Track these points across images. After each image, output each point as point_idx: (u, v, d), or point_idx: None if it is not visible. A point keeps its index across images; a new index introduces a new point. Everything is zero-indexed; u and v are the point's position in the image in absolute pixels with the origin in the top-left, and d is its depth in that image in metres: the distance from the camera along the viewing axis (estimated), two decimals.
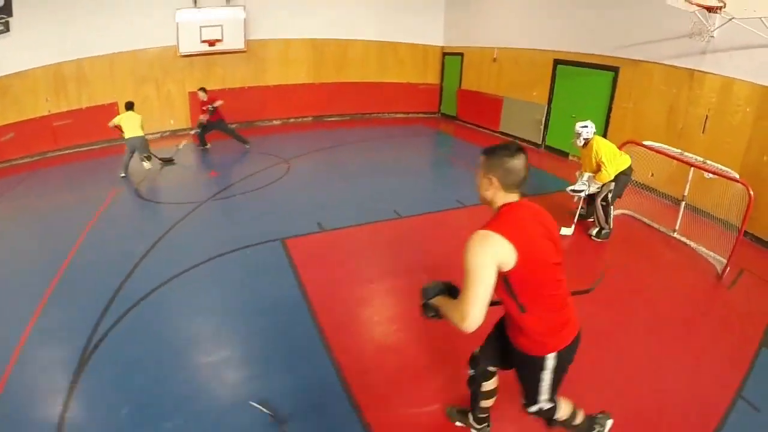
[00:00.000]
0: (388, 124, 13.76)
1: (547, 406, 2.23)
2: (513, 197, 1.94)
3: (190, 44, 11.88)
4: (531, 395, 2.23)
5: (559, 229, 5.66)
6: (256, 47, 12.82)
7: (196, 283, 5.01)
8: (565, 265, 2.07)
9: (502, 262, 1.80)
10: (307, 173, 9.14)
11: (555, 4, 9.82)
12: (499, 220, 1.88)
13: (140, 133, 9.33)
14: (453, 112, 13.86)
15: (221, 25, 11.94)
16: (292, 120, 14.02)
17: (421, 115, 14.66)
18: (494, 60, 11.80)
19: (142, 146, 9.43)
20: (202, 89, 10.66)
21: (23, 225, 7.12)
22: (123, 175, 9.30)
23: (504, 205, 1.93)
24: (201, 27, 11.80)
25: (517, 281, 1.86)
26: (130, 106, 9.53)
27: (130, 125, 9.25)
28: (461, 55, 13.19)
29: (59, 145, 11.96)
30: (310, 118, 14.17)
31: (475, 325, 1.77)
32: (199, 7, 11.85)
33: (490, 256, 1.78)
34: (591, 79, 9.04)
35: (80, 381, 3.49)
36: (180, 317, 4.44)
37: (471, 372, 2.55)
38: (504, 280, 1.86)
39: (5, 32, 11.18)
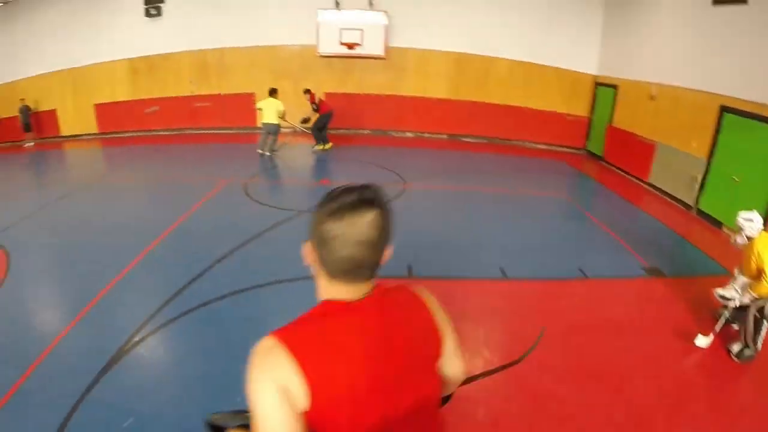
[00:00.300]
0: (526, 154, 12.20)
1: None
2: (342, 292, 1.02)
3: (330, 45, 11.64)
4: None
5: (695, 338, 4.17)
6: (395, 55, 12.22)
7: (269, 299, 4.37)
8: None
9: (289, 395, 0.91)
10: (420, 200, 7.95)
11: (727, 36, 7.54)
12: (298, 324, 1.01)
13: (275, 121, 9.69)
14: (599, 151, 11.85)
15: (362, 29, 11.52)
16: (426, 135, 13.13)
17: (564, 150, 12.84)
18: (652, 98, 9.71)
19: (275, 134, 9.84)
20: (307, 91, 10.51)
21: (133, 196, 7.64)
22: (260, 152, 9.93)
23: (324, 303, 1.04)
24: (341, 29, 11.49)
25: None
26: (272, 92, 9.85)
27: (268, 111, 9.64)
28: (615, 87, 11.24)
29: (197, 124, 12.54)
30: (445, 136, 13.16)
31: None
32: (341, 9, 11.57)
33: (269, 380, 0.92)
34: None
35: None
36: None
37: None
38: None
39: (158, 16, 11.93)
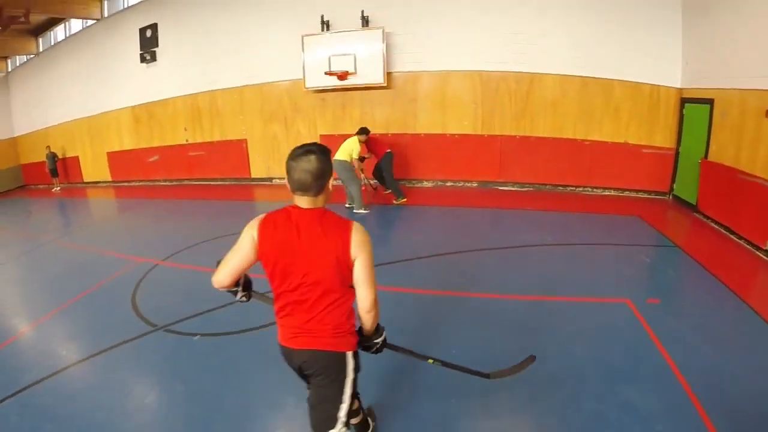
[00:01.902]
0: (586, 206, 8.37)
1: None
2: (298, 201, 1.90)
3: (318, 77, 9.50)
4: None
5: None
6: (401, 82, 9.61)
7: None
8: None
9: (253, 239, 1.90)
10: (412, 306, 4.55)
11: None
12: (273, 211, 1.95)
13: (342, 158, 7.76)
14: (691, 197, 7.77)
15: (354, 54, 9.16)
16: (449, 184, 10.04)
17: (641, 195, 8.84)
18: None
19: (349, 181, 7.92)
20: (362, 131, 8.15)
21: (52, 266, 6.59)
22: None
23: (290, 206, 1.93)
24: (330, 56, 9.27)
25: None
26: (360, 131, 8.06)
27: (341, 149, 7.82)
28: (710, 102, 7.22)
29: (192, 174, 11.45)
30: (474, 184, 9.90)
31: (216, 283, 2.01)
32: (330, 31, 9.37)
33: (248, 231, 1.92)
34: None
35: None
36: None
37: None
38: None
39: (153, 62, 11.03)
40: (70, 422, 2.98)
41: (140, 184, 12.14)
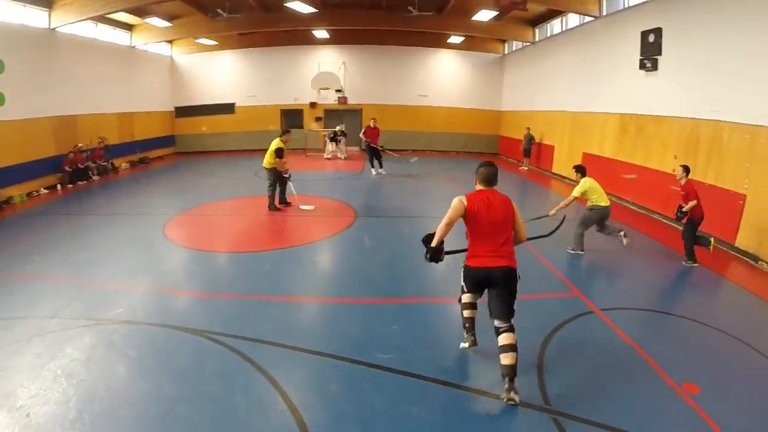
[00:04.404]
0: None
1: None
2: (482, 187, 3.58)
3: None
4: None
5: None
6: None
7: None
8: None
9: (462, 204, 3.47)
10: None
11: None
12: (472, 192, 3.58)
13: None
14: None
15: None
16: None
17: None
18: None
19: None
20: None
21: None
22: None
23: (477, 190, 3.60)
24: None
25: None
26: None
27: None
28: None
29: (667, 211, 9.90)
30: None
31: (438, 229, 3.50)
32: None
33: (458, 199, 3.48)
34: None
35: None
36: None
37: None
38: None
39: (653, 71, 9.99)
40: None
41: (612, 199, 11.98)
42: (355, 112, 19.24)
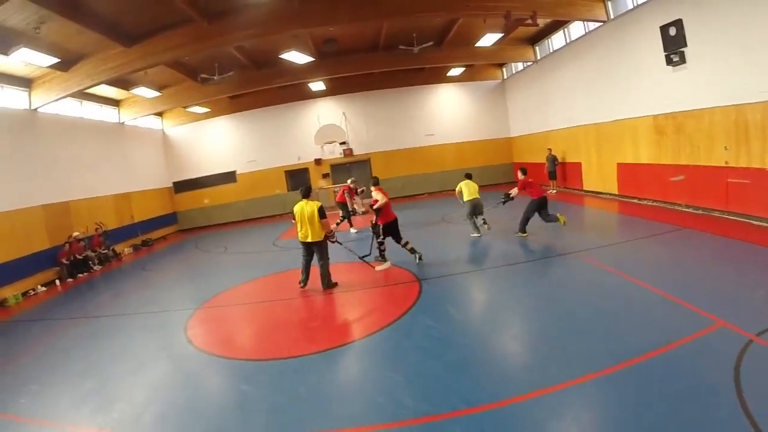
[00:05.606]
0: None
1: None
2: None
3: None
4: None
5: None
6: None
7: None
8: None
9: None
10: None
11: None
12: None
13: None
14: None
15: None
16: None
17: None
18: None
19: None
20: None
21: None
22: None
23: None
24: None
25: None
26: None
27: None
28: None
29: (729, 207, 9.19)
30: None
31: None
32: None
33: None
34: None
35: None
36: None
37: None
38: None
39: (681, 64, 9.20)
40: None
41: (653, 204, 10.94)
42: (363, 163, 18.52)
